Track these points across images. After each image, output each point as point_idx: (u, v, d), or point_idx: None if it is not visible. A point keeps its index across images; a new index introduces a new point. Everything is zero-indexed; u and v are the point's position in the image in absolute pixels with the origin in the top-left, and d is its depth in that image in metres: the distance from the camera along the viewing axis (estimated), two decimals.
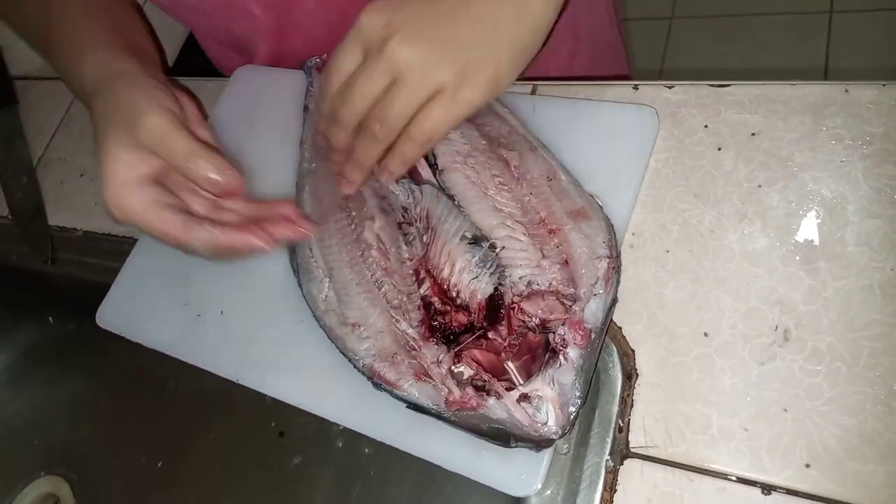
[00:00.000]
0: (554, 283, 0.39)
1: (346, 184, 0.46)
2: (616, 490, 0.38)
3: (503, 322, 0.39)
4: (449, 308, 0.41)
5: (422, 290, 0.42)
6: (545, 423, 0.36)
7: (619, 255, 0.41)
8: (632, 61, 0.83)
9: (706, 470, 0.36)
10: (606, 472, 0.38)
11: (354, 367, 0.42)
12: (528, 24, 0.40)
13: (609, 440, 0.39)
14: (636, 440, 0.38)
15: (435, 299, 0.41)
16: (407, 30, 0.38)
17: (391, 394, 0.40)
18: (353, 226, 0.47)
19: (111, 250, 0.60)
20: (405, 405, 0.40)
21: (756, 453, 0.36)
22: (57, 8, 0.53)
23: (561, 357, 0.36)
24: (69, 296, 0.66)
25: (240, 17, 0.60)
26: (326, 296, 0.45)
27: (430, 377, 0.39)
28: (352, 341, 0.42)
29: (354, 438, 0.51)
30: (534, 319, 0.38)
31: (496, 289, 0.40)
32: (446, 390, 0.38)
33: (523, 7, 0.40)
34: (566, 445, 0.40)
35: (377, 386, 0.40)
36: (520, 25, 0.40)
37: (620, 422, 0.39)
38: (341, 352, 0.43)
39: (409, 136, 0.40)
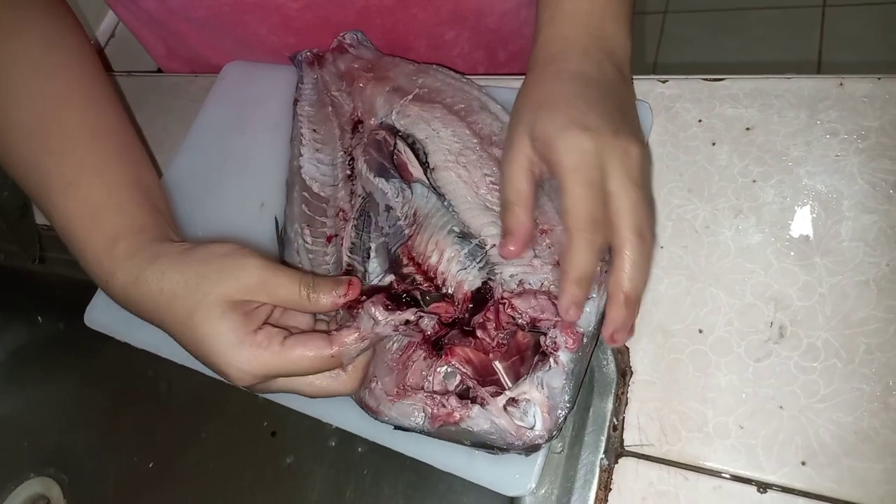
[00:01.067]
0: (545, 283, 0.38)
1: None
2: (611, 489, 0.37)
3: (489, 316, 0.38)
4: (418, 273, 0.39)
5: (404, 271, 0.41)
6: (532, 428, 0.35)
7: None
8: None
9: (701, 468, 0.36)
10: (601, 471, 0.38)
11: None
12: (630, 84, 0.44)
13: (604, 439, 0.38)
14: (631, 438, 0.38)
15: (412, 268, 0.40)
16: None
17: (376, 419, 0.39)
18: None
19: None
20: (392, 427, 0.39)
21: (752, 451, 0.36)
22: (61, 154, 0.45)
23: (551, 360, 0.35)
24: (58, 295, 0.65)
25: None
26: None
27: (406, 391, 0.38)
28: None
29: (347, 437, 0.51)
30: (524, 317, 0.37)
31: (485, 283, 0.39)
32: (428, 408, 0.37)
33: (625, 71, 0.43)
34: (560, 444, 0.40)
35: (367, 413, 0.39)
36: (627, 87, 0.43)
37: (615, 420, 0.39)
38: None
39: None
